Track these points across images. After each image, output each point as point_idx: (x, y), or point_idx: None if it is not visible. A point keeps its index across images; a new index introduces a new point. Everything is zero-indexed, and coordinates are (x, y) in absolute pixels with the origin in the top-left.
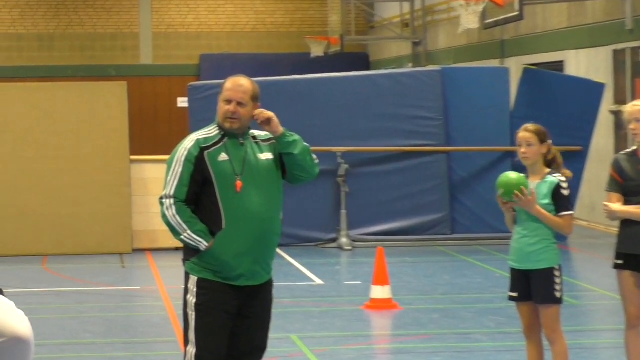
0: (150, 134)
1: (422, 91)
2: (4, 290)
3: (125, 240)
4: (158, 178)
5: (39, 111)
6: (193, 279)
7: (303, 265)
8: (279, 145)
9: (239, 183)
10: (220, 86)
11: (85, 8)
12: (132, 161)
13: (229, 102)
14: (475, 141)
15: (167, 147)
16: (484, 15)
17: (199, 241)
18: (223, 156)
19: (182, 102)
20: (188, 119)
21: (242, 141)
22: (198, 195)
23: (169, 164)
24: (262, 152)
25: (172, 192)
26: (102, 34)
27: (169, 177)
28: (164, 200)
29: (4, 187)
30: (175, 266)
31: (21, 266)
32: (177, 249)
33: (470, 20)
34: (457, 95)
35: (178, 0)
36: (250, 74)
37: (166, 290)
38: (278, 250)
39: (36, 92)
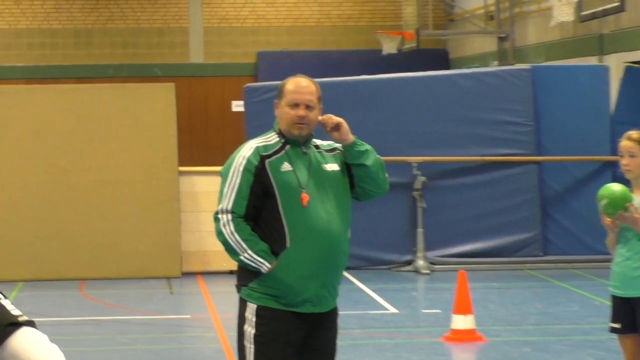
0: (200, 141)
1: (510, 93)
2: (36, 321)
3: (173, 263)
4: (210, 192)
5: (75, 116)
6: (251, 307)
7: (375, 291)
8: (348, 156)
9: (305, 196)
10: (279, 89)
11: (127, 0)
12: (181, 173)
13: (295, 105)
14: (571, 150)
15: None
16: (580, 6)
17: (261, 262)
18: (286, 166)
19: (237, 105)
20: (244, 124)
21: (305, 150)
22: (258, 209)
23: (224, 174)
24: (327, 162)
25: (229, 207)
26: (147, 29)
27: (225, 190)
28: (219, 216)
29: (37, 202)
30: (230, 292)
31: (56, 292)
32: (231, 272)
33: (564, 12)
34: (549, 98)
35: None
36: (313, 73)
37: (219, 319)
38: (346, 274)
39: (73, 94)
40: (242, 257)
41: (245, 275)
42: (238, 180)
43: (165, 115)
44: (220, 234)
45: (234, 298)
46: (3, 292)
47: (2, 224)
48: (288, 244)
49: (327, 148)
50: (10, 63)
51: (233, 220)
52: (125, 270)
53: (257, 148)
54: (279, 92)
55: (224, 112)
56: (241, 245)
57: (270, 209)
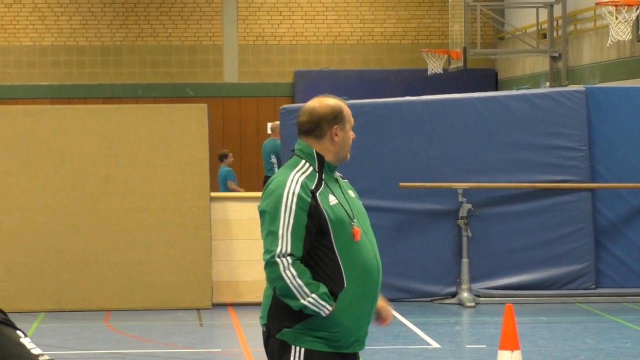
0: (234, 165)
1: (563, 116)
2: (58, 354)
3: (203, 293)
4: (243, 219)
5: (102, 138)
6: (298, 351)
7: (416, 324)
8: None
9: (357, 230)
10: (336, 113)
11: (158, 16)
12: (213, 199)
13: (351, 127)
14: (627, 177)
15: (254, 181)
16: (637, 24)
17: (323, 306)
18: (332, 199)
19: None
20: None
21: (335, 176)
22: (312, 249)
23: (271, 212)
24: (349, 189)
25: (288, 249)
26: (179, 47)
27: (280, 231)
28: (278, 260)
29: (61, 229)
30: None
31: (80, 323)
32: None
33: (621, 30)
34: (604, 121)
35: (269, 7)
36: (354, 94)
37: (251, 354)
38: None
39: (100, 115)
40: (305, 302)
41: (287, 315)
42: (292, 220)
43: (197, 137)
44: (279, 279)
45: None
46: (22, 330)
47: (24, 251)
48: (345, 284)
49: (339, 175)
50: (34, 82)
51: (293, 263)
52: (153, 301)
53: (305, 182)
54: (338, 116)
55: (259, 134)
56: (303, 290)
57: (323, 247)
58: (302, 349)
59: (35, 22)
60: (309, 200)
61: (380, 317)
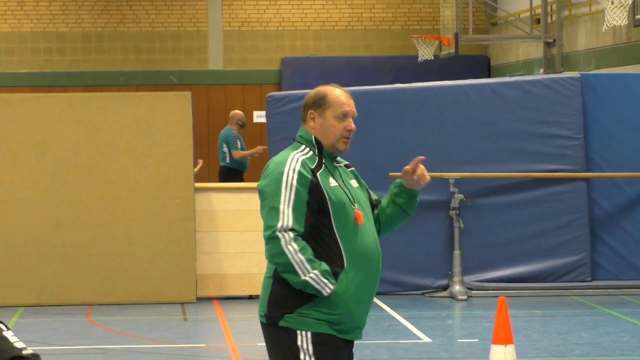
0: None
1: (557, 103)
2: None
3: (188, 287)
4: (228, 210)
5: (84, 128)
6: (304, 335)
7: (406, 318)
8: (403, 199)
9: (359, 213)
10: (317, 98)
11: (141, 1)
12: (197, 189)
13: (344, 117)
14: (623, 166)
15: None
16: (634, 9)
17: (325, 284)
18: (332, 181)
19: (259, 116)
20: (266, 137)
21: (335, 164)
22: (313, 227)
23: (271, 190)
24: (350, 178)
25: (289, 224)
26: (162, 33)
27: (281, 206)
28: (280, 234)
29: (41, 221)
30: (249, 319)
31: (61, 318)
32: (251, 297)
33: (617, 15)
34: (600, 108)
35: None
36: (343, 81)
37: (237, 349)
38: (376, 300)
39: (80, 104)
40: (306, 279)
41: (288, 301)
42: (293, 196)
43: (181, 126)
44: (281, 255)
45: (254, 326)
46: (5, 323)
47: (3, 244)
48: (345, 265)
49: (344, 163)
50: (13, 69)
51: (295, 239)
52: (136, 295)
53: (304, 161)
54: (317, 102)
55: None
56: (305, 266)
57: (323, 227)
58: (309, 333)
59: (14, 7)
60: (310, 177)
61: (414, 176)
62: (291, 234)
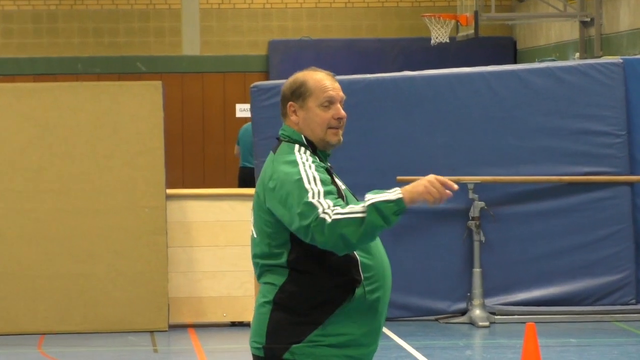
0: (196, 156)
1: (596, 94)
2: None
3: (158, 313)
4: (207, 221)
5: (33, 124)
6: None
7: (417, 349)
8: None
9: None
10: (295, 88)
11: None
12: (169, 197)
13: (330, 104)
14: None
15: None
16: None
17: (384, 196)
18: (340, 184)
19: (242, 110)
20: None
21: (329, 164)
22: None
23: (295, 190)
24: (339, 179)
25: (322, 192)
26: (127, 12)
27: (314, 199)
28: (324, 215)
29: None
30: (231, 350)
31: (8, 350)
32: (233, 324)
33: None
34: None
35: None
36: (342, 68)
37: None
38: None
39: (30, 96)
40: (370, 210)
41: (293, 330)
42: (320, 186)
43: (150, 122)
44: (337, 226)
45: (236, 358)
46: None
47: None
48: (362, 277)
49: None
50: None
51: (334, 202)
52: (97, 322)
53: (312, 156)
54: (296, 91)
55: (226, 118)
56: (356, 210)
57: None
58: None
59: None
60: (325, 166)
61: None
62: (329, 201)
